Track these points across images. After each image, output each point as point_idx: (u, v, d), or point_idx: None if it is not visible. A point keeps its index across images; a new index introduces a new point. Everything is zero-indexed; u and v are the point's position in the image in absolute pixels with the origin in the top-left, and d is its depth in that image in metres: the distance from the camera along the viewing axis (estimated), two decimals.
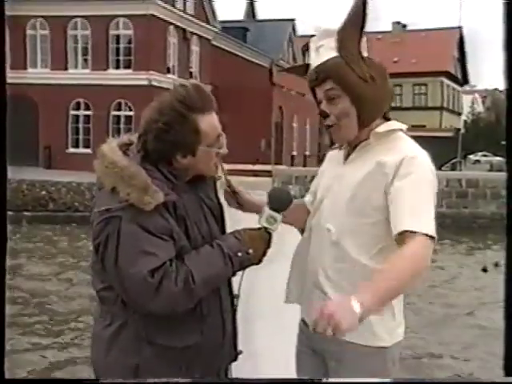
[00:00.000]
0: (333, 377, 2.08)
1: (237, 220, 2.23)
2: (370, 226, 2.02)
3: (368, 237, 2.03)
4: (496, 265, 12.32)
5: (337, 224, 2.06)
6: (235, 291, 2.15)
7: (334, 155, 2.26)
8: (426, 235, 1.85)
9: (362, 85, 2.01)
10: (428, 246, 1.86)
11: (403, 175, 1.95)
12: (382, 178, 1.99)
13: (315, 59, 2.09)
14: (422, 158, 2.02)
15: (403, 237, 1.86)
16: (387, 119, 2.13)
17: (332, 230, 2.07)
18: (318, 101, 2.11)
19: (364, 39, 2.08)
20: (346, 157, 2.15)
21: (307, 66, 2.15)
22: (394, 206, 1.93)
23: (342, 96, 2.03)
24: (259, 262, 2.06)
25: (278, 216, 2.08)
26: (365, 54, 2.08)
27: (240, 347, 2.17)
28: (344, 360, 2.06)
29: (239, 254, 1.97)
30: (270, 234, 2.07)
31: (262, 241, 2.04)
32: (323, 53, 2.07)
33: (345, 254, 2.05)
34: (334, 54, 2.04)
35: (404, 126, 2.12)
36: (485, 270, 12.35)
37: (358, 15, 2.03)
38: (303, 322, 2.23)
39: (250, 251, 2.00)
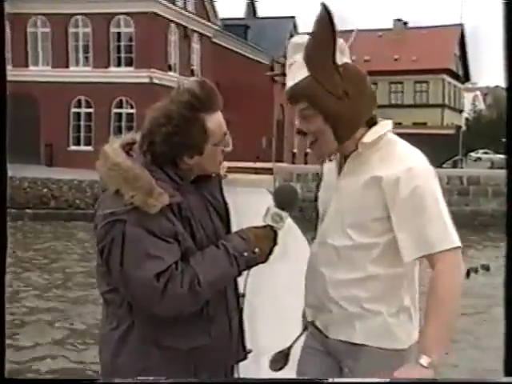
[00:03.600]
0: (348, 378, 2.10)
1: (243, 218, 2.23)
2: (373, 237, 2.03)
3: (373, 248, 2.03)
4: (476, 271, 12.18)
5: (341, 238, 2.06)
6: (241, 290, 2.14)
7: (330, 167, 2.23)
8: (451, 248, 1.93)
9: (335, 103, 1.97)
10: (456, 259, 1.95)
11: (407, 197, 1.95)
12: (379, 192, 1.99)
13: (288, 78, 2.06)
14: (418, 165, 2.00)
15: (431, 257, 1.95)
16: (374, 123, 2.08)
17: (337, 246, 2.07)
18: (297, 117, 2.09)
19: (340, 43, 2.01)
20: (339, 169, 2.14)
21: None
22: (410, 231, 1.95)
23: (316, 115, 2.00)
24: (265, 260, 2.03)
25: (284, 214, 2.04)
26: (344, 60, 2.02)
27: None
28: (362, 362, 2.07)
29: (245, 254, 1.95)
30: (275, 233, 2.03)
31: (267, 239, 2.01)
32: (295, 72, 2.03)
33: (353, 266, 2.05)
34: (304, 73, 2.00)
35: (390, 125, 2.09)
36: (468, 274, 12.11)
37: (325, 27, 1.96)
38: (315, 327, 2.21)
39: (256, 250, 1.97)
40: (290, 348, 2.27)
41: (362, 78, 2.05)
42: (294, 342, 2.29)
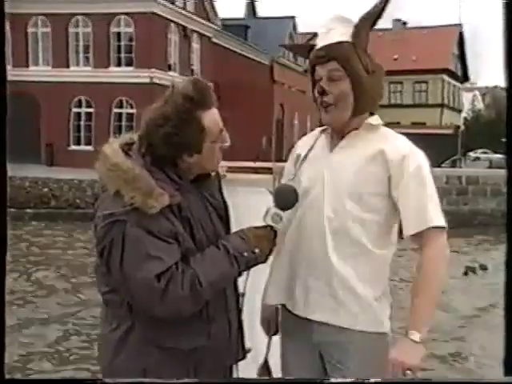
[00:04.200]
0: (338, 367, 2.12)
1: (243, 218, 2.25)
2: (369, 212, 2.08)
3: (369, 222, 2.08)
4: (474, 271, 12.05)
5: (336, 211, 2.09)
6: (240, 289, 2.14)
7: (309, 143, 2.31)
8: (440, 227, 2.05)
9: (364, 74, 2.10)
10: (444, 239, 2.05)
11: (413, 174, 2.06)
12: (383, 165, 2.07)
13: (325, 39, 2.15)
14: (416, 149, 2.13)
15: (421, 236, 2.04)
16: (372, 114, 2.21)
17: (333, 218, 2.10)
18: (316, 79, 2.15)
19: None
20: (332, 145, 2.19)
21: (311, 47, 2.20)
22: (414, 205, 2.05)
23: (344, 79, 2.10)
24: (265, 260, 2.04)
25: (284, 214, 2.05)
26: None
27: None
28: (351, 347, 2.10)
29: (245, 254, 1.95)
30: (275, 233, 2.04)
31: (267, 239, 2.02)
32: (334, 35, 2.13)
33: (348, 240, 2.09)
34: (346, 38, 2.12)
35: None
36: (466, 273, 11.96)
37: (378, 10, 2.12)
38: (295, 316, 2.21)
39: (256, 251, 1.97)
40: (265, 360, 2.34)
41: (381, 69, 2.20)
42: (267, 353, 2.34)
